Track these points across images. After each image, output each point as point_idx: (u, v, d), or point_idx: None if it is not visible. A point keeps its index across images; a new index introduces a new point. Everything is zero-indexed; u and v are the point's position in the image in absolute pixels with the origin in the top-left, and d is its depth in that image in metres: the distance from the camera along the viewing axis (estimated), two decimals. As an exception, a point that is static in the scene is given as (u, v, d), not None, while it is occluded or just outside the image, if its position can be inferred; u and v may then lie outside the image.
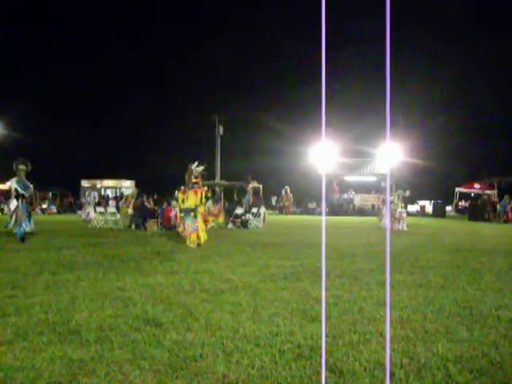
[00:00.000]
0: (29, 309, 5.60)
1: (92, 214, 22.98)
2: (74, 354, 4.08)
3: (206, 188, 14.18)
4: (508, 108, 54.54)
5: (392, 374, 3.67)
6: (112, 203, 35.73)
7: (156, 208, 21.15)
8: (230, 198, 31.39)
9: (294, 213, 39.61)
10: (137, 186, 42.28)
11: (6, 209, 22.85)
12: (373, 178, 40.45)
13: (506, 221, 29.21)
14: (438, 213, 36.63)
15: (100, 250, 11.80)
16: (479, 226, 25.56)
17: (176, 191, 14.32)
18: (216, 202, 27.25)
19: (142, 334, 4.68)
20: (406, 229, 20.43)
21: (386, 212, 19.28)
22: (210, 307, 5.75)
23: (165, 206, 20.18)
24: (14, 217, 14.11)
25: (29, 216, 14.46)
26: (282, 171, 46.44)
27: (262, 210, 22.86)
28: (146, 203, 22.15)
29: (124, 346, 4.31)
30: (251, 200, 24.34)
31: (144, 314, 5.38)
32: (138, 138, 62.85)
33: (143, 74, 71.54)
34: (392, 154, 34.66)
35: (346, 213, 37.51)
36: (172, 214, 19.24)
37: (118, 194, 45.60)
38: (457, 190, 47.80)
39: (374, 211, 32.27)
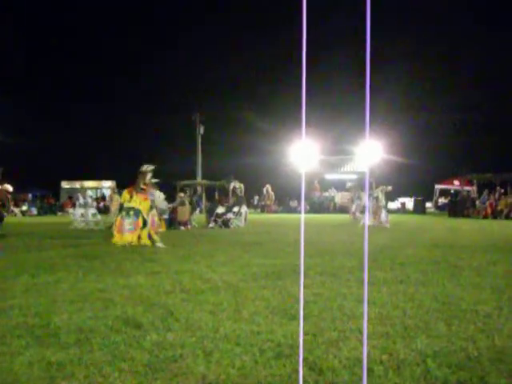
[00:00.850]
0: (7, 312, 5.54)
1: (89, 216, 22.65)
2: (53, 357, 4.05)
3: (150, 198, 13.98)
4: (487, 106, 55.25)
5: (371, 371, 3.70)
6: (93, 204, 35.45)
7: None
8: (212, 197, 31.36)
9: (276, 211, 39.67)
10: (118, 186, 42.08)
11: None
12: (353, 176, 40.67)
13: (485, 217, 29.59)
14: (419, 209, 37.03)
15: (80, 251, 11.71)
16: (459, 222, 25.84)
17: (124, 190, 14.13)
18: (197, 202, 27.23)
19: (122, 335, 4.65)
20: (387, 225, 20.59)
21: (366, 209, 19.35)
22: (190, 307, 5.74)
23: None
24: None
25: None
26: (264, 170, 46.51)
27: (244, 209, 22.88)
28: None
29: (104, 348, 4.28)
30: (232, 199, 24.36)
31: (124, 316, 5.36)
32: (119, 138, 62.49)
33: (122, 73, 71.09)
34: (372, 152, 34.89)
35: (327, 211, 37.65)
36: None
37: (99, 195, 45.34)
38: (437, 186, 48.34)
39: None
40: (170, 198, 22.80)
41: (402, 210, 41.57)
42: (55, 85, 64.01)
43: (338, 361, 3.93)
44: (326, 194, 40.52)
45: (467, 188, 38.14)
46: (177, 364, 3.89)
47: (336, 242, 13.64)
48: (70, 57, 67.57)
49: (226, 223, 20.91)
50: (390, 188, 23.30)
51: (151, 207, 13.49)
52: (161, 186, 18.88)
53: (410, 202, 43.63)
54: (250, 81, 63.26)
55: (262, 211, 39.75)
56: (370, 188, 26.02)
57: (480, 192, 33.95)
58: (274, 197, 40.77)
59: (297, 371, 3.71)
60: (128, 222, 13.01)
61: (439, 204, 46.27)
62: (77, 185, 47.89)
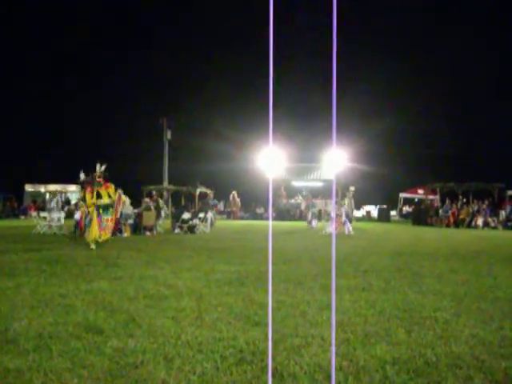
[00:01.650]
0: (-36, 317, 5.43)
1: (62, 220, 22.09)
2: (11, 364, 3.98)
3: (112, 185, 13.95)
4: (451, 115, 56.30)
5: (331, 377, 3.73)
6: (65, 208, 34.95)
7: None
8: (178, 202, 31.20)
9: (242, 218, 39.65)
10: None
11: None
12: (320, 184, 40.92)
13: (448, 225, 30.09)
14: (383, 217, 37.43)
15: (43, 255, 11.52)
16: (422, 230, 26.24)
17: (82, 192, 14.13)
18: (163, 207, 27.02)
19: (83, 341, 4.60)
20: (352, 233, 20.79)
21: (332, 217, 19.53)
22: (153, 313, 5.70)
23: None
24: None
25: None
26: (230, 176, 46.37)
27: (210, 214, 22.83)
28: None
29: (63, 355, 4.23)
30: (198, 204, 24.31)
31: (85, 321, 5.30)
32: (85, 142, 61.61)
33: (90, 76, 70.19)
34: (338, 160, 35.18)
35: (293, 218, 37.78)
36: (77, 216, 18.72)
37: (64, 199, 44.65)
38: (401, 195, 48.99)
39: (321, 216, 32.67)
40: (135, 203, 22.58)
41: (367, 217, 41.99)
42: (17, 84, 62.72)
43: (299, 367, 3.96)
44: (292, 201, 40.66)
45: (431, 197, 38.71)
46: (137, 370, 3.87)
47: (301, 249, 13.72)
48: (40, 55, 66.29)
49: (191, 229, 20.84)
50: (352, 188, 23.66)
51: (115, 190, 13.65)
52: (125, 191, 18.70)
53: (374, 211, 44.13)
54: (219, 87, 63.18)
55: (228, 217, 39.68)
56: (337, 196, 26.25)
57: (443, 201, 34.50)
58: (239, 203, 40.74)
59: (257, 377, 3.73)
60: (105, 219, 13.05)
61: (403, 212, 46.90)
62: (41, 188, 47.05)
